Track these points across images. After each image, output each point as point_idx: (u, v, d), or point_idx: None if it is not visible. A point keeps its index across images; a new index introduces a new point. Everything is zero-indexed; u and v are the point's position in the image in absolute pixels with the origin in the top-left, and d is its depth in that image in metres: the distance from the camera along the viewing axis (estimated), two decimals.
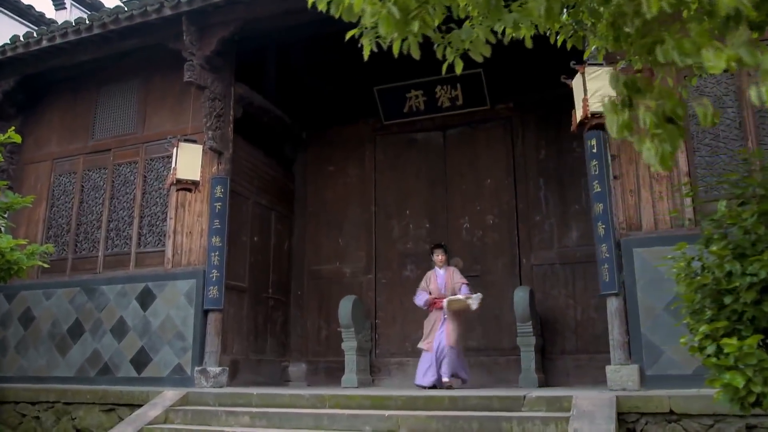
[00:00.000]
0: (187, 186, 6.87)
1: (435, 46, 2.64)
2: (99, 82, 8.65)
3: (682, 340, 3.31)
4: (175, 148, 6.90)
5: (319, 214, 9.17)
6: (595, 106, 5.24)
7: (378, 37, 2.47)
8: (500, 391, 5.91)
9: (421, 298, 7.25)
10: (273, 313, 8.49)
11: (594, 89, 5.28)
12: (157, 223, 7.77)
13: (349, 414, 5.27)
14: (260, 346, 8.14)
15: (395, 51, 2.50)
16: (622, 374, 5.30)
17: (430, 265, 8.40)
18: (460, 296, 6.97)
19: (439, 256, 7.38)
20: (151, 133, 8.12)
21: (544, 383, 7.08)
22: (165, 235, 7.63)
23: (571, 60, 8.05)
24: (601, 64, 5.37)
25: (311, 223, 9.18)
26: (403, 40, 2.43)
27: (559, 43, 3.50)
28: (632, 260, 5.56)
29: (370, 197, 8.93)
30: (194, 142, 7.03)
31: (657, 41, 3.61)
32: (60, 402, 6.99)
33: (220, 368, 6.87)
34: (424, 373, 6.92)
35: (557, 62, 8.07)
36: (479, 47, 2.49)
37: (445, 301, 6.94)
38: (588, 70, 5.31)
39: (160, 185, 7.87)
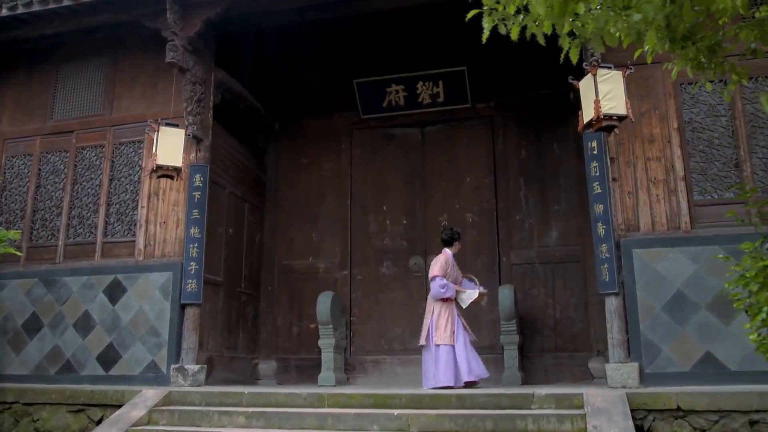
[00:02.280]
0: (168, 173, 6.44)
1: (558, 32, 2.54)
2: (59, 59, 8.04)
3: (751, 337, 3.36)
4: (156, 133, 6.50)
5: (291, 208, 8.90)
6: (607, 107, 5.31)
7: (503, 19, 2.36)
8: (507, 389, 5.90)
9: (450, 289, 6.52)
10: (245, 309, 8.17)
11: (605, 91, 5.34)
12: (127, 211, 7.29)
13: (355, 413, 5.10)
14: (233, 342, 7.81)
15: (513, 36, 2.40)
16: (622, 372, 5.40)
17: (408, 263, 8.39)
18: (480, 291, 6.73)
19: (458, 246, 6.96)
20: (120, 115, 7.62)
21: (524, 381, 7.14)
22: (136, 225, 7.17)
23: (549, 62, 8.21)
24: (609, 67, 5.44)
25: (283, 217, 8.90)
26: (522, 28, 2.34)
27: (615, 42, 3.49)
28: (631, 260, 5.68)
29: (346, 192, 8.75)
30: (176, 126, 6.63)
31: (716, 43, 3.68)
32: (19, 402, 6.41)
33: (199, 366, 6.53)
34: (443, 370, 6.22)
35: (538, 64, 8.22)
36: (606, 37, 2.42)
37: (470, 297, 6.62)
38: (600, 72, 5.36)
39: (130, 171, 7.41)
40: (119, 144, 7.54)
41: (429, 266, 7.91)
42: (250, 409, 5.40)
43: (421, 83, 8.47)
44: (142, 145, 7.40)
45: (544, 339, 7.67)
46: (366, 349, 8.25)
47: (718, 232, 5.61)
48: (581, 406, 4.96)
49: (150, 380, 6.53)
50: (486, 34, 2.44)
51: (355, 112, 8.87)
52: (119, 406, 5.97)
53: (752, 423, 4.73)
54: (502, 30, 2.42)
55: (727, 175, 5.79)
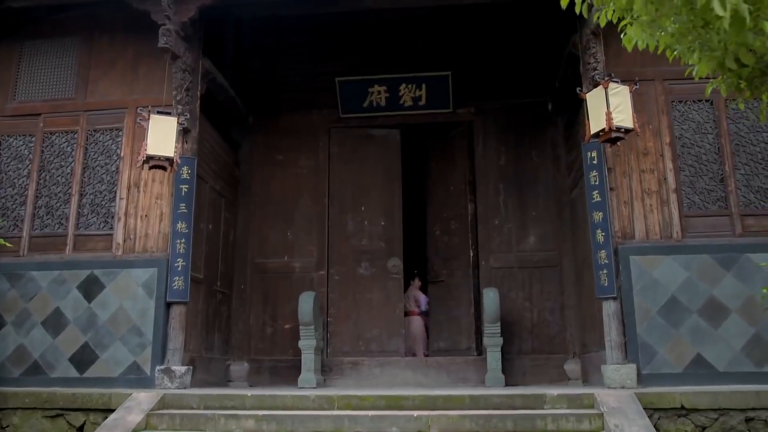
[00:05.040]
0: (160, 163, 6.13)
1: (693, 46, 2.63)
2: (23, 36, 7.44)
3: None
4: (147, 121, 6.16)
5: (265, 205, 8.66)
6: (616, 120, 5.55)
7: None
8: (518, 389, 6.02)
9: None
10: (220, 308, 7.87)
11: (614, 104, 5.58)
12: (103, 203, 6.85)
13: (373, 415, 5.04)
14: (210, 343, 7.50)
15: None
16: (621, 373, 5.63)
17: (386, 263, 8.39)
18: None
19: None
20: (96, 100, 7.15)
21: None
22: (113, 217, 6.75)
23: (529, 73, 8.50)
24: (617, 81, 5.70)
25: (257, 214, 8.64)
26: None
27: (751, 60, 3.64)
28: (629, 266, 5.95)
29: (323, 190, 8.62)
30: (168, 114, 6.31)
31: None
32: None
33: (186, 367, 6.21)
34: None
35: (518, 74, 8.48)
36: (740, 53, 2.53)
37: None
38: (611, 85, 5.59)
39: (107, 160, 6.97)
40: (94, 131, 7.07)
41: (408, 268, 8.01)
42: (260, 412, 5.21)
43: (404, 85, 8.49)
44: (120, 133, 6.99)
45: (522, 341, 7.87)
46: (343, 351, 8.15)
47: (707, 242, 5.99)
48: (592, 406, 5.16)
49: (132, 382, 6.16)
50: (630, 44, 2.51)
51: (333, 110, 8.75)
52: (105, 410, 5.65)
53: (748, 420, 5.09)
54: (642, 44, 2.51)
55: (713, 189, 6.19)
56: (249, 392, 5.70)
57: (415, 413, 5.02)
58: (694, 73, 3.49)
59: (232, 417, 5.19)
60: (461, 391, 5.79)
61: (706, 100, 6.37)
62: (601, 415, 4.91)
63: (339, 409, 5.35)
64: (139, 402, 5.48)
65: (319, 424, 5.04)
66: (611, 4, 3.02)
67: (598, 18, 3.35)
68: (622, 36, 3.57)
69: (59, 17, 7.31)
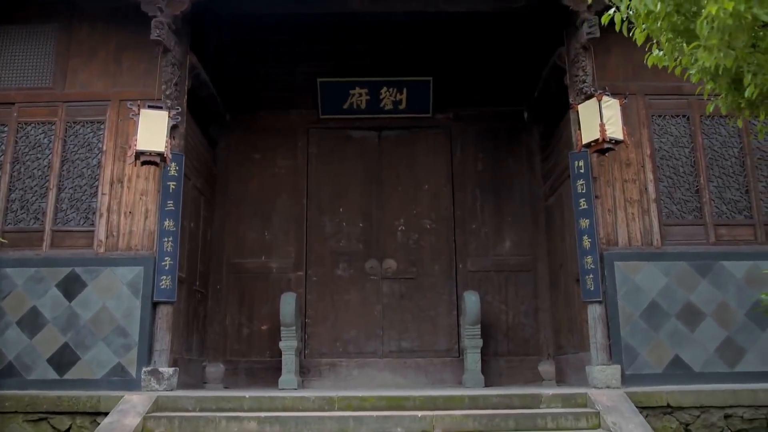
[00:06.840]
0: (151, 159, 5.98)
1: (745, 68, 2.83)
2: None
3: None
4: (137, 116, 6.00)
5: (241, 204, 8.53)
6: (609, 131, 5.83)
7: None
8: (515, 389, 6.17)
9: None
10: (198, 308, 7.71)
11: (607, 117, 5.86)
12: (83, 198, 6.59)
13: (378, 415, 5.09)
14: (189, 343, 7.33)
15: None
16: (607, 374, 5.88)
17: (364, 265, 8.42)
18: None
19: None
20: (75, 91, 6.87)
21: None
22: (95, 213, 6.52)
23: (507, 82, 8.76)
24: (609, 94, 5.98)
25: (233, 213, 8.49)
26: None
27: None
28: (613, 272, 6.24)
29: (302, 190, 8.57)
30: (159, 108, 6.15)
31: None
32: None
33: (173, 369, 6.07)
34: None
35: (497, 83, 8.71)
36: None
37: None
38: (604, 98, 5.86)
39: (88, 154, 6.72)
40: (73, 123, 6.79)
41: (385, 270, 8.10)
42: (262, 414, 5.16)
43: (385, 89, 8.56)
44: (102, 126, 6.75)
45: (497, 343, 8.07)
46: (321, 352, 8.13)
47: (684, 249, 6.36)
48: (585, 405, 5.39)
49: (115, 384, 5.96)
50: (706, 60, 2.68)
51: (313, 111, 8.73)
52: (93, 414, 5.49)
53: (727, 416, 5.44)
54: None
55: (689, 200, 6.57)
56: (247, 393, 5.62)
57: (419, 413, 5.10)
58: (702, 89, 3.74)
59: (233, 419, 5.11)
60: (460, 391, 5.91)
61: (683, 116, 6.76)
62: (597, 414, 5.14)
63: (340, 410, 5.37)
64: (134, 405, 5.31)
65: (323, 425, 5.04)
66: (653, 24, 3.20)
67: (634, 35, 3.55)
68: (650, 53, 3.80)
69: (35, 3, 6.99)
